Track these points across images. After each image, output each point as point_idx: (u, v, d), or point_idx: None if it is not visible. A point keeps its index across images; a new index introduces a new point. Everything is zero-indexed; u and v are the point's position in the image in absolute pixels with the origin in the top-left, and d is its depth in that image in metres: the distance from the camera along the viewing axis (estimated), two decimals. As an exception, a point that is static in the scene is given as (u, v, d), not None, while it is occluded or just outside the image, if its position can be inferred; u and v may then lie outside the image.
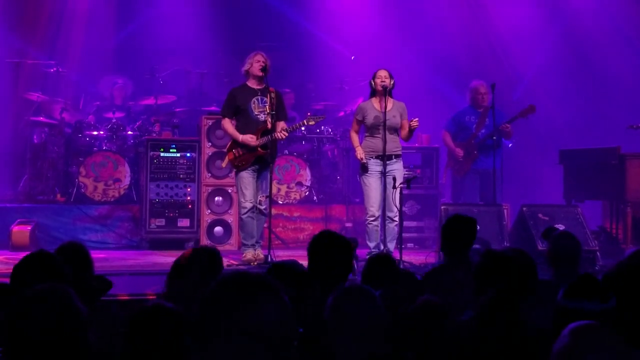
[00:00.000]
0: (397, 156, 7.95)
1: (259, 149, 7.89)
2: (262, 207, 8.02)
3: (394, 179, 7.77)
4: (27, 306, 2.56)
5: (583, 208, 8.64)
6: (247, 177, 7.96)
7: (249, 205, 7.92)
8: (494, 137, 9.06)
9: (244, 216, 8.00)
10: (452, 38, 12.19)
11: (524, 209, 8.47)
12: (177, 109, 11.07)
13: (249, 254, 7.93)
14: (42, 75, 10.86)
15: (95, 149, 10.30)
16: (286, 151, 10.58)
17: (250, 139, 7.86)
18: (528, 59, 12.26)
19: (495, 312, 3.17)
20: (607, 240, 8.65)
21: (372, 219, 7.87)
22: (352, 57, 11.89)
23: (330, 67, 12.20)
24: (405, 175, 8.10)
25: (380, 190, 7.86)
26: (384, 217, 7.87)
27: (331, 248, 4.22)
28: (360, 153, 7.90)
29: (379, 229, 7.87)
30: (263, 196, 8.00)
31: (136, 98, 11.26)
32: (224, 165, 8.63)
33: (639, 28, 11.74)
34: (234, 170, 8.18)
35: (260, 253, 7.96)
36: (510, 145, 9.93)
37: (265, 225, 8.13)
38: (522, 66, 12.22)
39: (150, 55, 11.65)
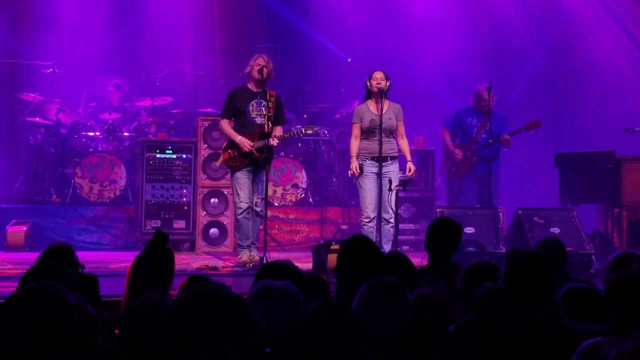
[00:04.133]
0: (392, 158, 7.96)
1: (254, 152, 7.90)
2: (259, 209, 8.02)
3: (390, 181, 7.77)
4: (19, 304, 2.56)
5: (578, 211, 8.65)
6: (242, 178, 7.96)
7: (244, 205, 7.93)
8: (490, 140, 9.06)
9: (239, 217, 8.00)
10: (448, 40, 12.20)
11: (520, 212, 8.48)
12: (173, 111, 11.06)
13: (244, 255, 7.93)
14: (38, 75, 10.84)
15: (91, 150, 10.29)
16: (282, 153, 10.57)
17: (246, 142, 7.86)
18: (524, 62, 12.27)
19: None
20: (603, 244, 8.65)
21: (367, 220, 7.87)
22: (349, 60, 11.90)
23: (326, 69, 12.21)
24: (401, 178, 8.11)
25: (376, 192, 7.85)
26: (379, 219, 7.88)
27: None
28: (353, 164, 7.91)
29: (374, 230, 7.87)
30: (259, 198, 8.01)
31: (132, 99, 11.24)
32: (218, 164, 8.65)
33: (635, 32, 11.77)
34: (229, 170, 8.20)
35: (255, 255, 7.96)
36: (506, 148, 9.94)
37: (261, 227, 8.13)
38: (518, 69, 12.24)
39: (147, 57, 11.64)
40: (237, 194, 7.98)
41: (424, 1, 12.34)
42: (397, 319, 3.02)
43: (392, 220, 7.83)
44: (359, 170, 7.87)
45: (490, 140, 9.04)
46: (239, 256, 8.01)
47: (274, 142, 7.92)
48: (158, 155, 9.62)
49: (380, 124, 7.79)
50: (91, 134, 10.42)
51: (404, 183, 7.88)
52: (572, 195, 9.22)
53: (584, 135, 11.34)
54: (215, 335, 2.27)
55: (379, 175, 7.83)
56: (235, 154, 7.95)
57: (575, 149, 9.84)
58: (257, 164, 7.98)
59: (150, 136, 10.17)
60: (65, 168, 10.28)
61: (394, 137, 8.04)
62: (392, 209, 7.77)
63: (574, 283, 3.29)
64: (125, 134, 10.50)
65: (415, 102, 11.74)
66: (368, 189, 7.88)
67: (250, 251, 8.00)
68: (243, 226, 7.99)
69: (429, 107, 11.77)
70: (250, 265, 7.78)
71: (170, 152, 9.65)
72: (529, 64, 12.24)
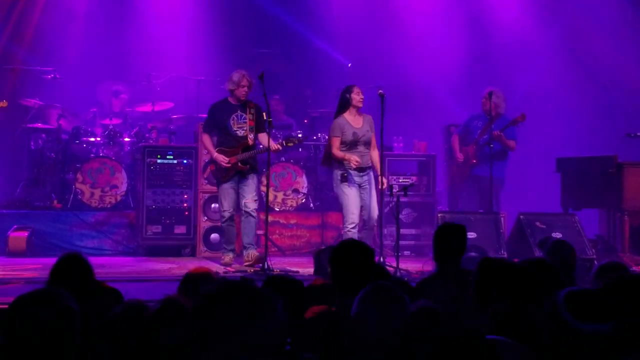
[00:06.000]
0: (369, 167, 8.21)
1: (239, 164, 8.20)
2: (249, 209, 8.26)
3: (391, 187, 7.91)
4: (22, 308, 2.56)
5: (580, 216, 8.63)
6: (227, 189, 8.32)
7: (226, 214, 8.34)
8: (491, 145, 9.07)
9: (223, 224, 8.45)
10: (449, 45, 12.19)
11: (522, 217, 8.47)
12: (174, 116, 11.06)
13: (227, 257, 8.37)
14: (39, 81, 10.84)
15: (92, 155, 10.28)
16: (283, 158, 10.55)
17: (221, 159, 8.17)
18: (526, 66, 12.26)
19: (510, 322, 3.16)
20: (605, 249, 8.64)
21: (352, 226, 8.05)
22: (349, 64, 11.90)
23: (327, 73, 12.20)
24: (402, 182, 8.16)
25: (359, 200, 8.06)
26: (370, 226, 8.02)
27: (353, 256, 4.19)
28: (352, 157, 8.00)
29: (356, 237, 7.99)
30: (249, 199, 8.23)
31: (133, 105, 11.24)
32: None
33: (636, 36, 11.76)
34: (216, 182, 8.52)
35: (254, 253, 8.17)
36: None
37: (262, 232, 8.17)
38: (519, 74, 12.23)
39: (147, 62, 11.64)
40: (221, 203, 8.39)
41: (425, 6, 12.34)
42: (396, 323, 3.02)
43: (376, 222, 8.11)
44: (357, 159, 7.96)
45: (491, 145, 9.06)
46: (222, 257, 8.44)
47: (275, 147, 8.22)
48: (159, 161, 9.63)
49: (361, 138, 7.95)
50: (92, 139, 10.41)
51: (404, 188, 7.93)
52: (573, 200, 9.20)
53: (585, 139, 11.31)
54: (231, 333, 2.23)
55: (361, 185, 8.07)
56: (220, 166, 8.22)
57: (576, 154, 9.82)
58: (243, 174, 8.28)
59: (151, 141, 10.17)
60: (67, 174, 10.27)
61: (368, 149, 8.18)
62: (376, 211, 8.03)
63: (574, 287, 3.27)
64: (126, 139, 10.50)
65: (416, 107, 11.75)
66: (352, 196, 8.09)
67: (247, 250, 8.28)
68: (226, 232, 8.47)
69: (430, 112, 11.77)
70: (252, 270, 7.86)
71: (171, 157, 9.67)
72: (531, 68, 12.23)
